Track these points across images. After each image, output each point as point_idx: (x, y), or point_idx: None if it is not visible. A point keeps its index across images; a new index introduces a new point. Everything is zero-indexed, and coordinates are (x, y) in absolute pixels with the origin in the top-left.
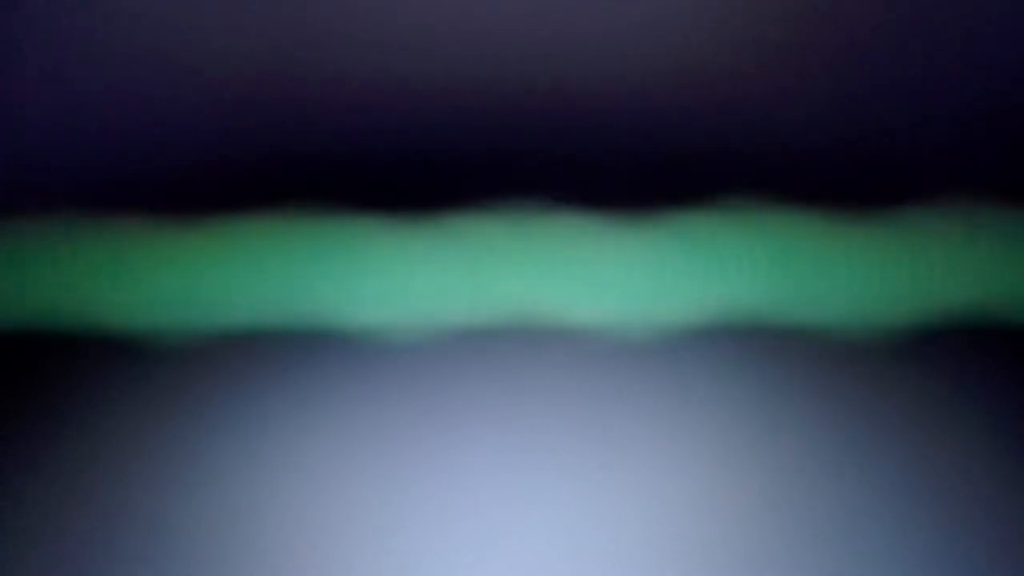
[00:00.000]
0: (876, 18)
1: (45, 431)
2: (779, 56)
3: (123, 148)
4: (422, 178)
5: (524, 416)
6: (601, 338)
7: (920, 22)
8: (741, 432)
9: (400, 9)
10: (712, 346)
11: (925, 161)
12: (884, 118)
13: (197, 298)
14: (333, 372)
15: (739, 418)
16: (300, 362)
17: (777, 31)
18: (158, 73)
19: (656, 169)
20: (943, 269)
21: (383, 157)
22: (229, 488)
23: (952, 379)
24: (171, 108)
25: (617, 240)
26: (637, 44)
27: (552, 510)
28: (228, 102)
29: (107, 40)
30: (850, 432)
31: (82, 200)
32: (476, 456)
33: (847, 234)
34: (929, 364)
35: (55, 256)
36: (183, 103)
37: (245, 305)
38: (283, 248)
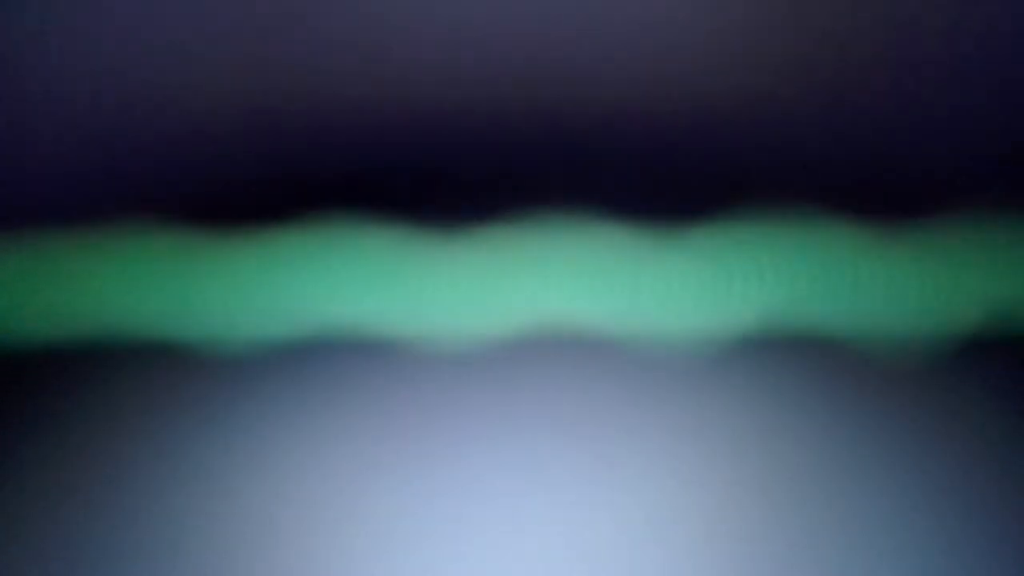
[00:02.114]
0: (898, 27)
1: (39, 439)
2: (800, 67)
3: (133, 154)
4: (447, 190)
5: (545, 426)
6: (627, 349)
7: (937, 29)
8: (764, 446)
9: (416, 21)
10: (747, 357)
11: (956, 171)
12: (908, 128)
13: (222, 308)
14: (360, 381)
15: (764, 432)
16: (328, 371)
17: (794, 41)
18: (169, 82)
19: (682, 180)
20: (975, 281)
21: (408, 169)
22: (232, 491)
23: (987, 393)
24: (186, 118)
25: (644, 252)
26: (651, 56)
27: (568, 516)
28: (251, 112)
29: (107, 48)
30: (871, 444)
31: (89, 209)
32: (498, 467)
33: (878, 246)
34: (962, 378)
35: (53, 268)
36: (199, 113)
37: (277, 315)
38: (310, 259)
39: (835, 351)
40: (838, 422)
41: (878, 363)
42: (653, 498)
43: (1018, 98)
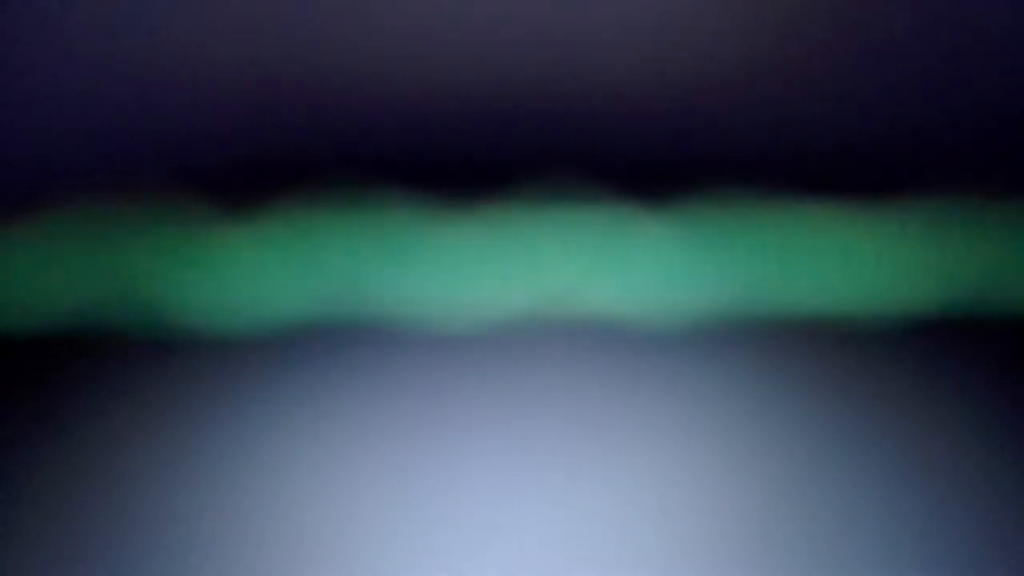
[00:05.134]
0: (872, 20)
1: (39, 431)
2: (780, 55)
3: (145, 140)
4: (460, 168)
5: (545, 406)
6: (626, 328)
7: (912, 24)
8: (754, 423)
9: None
10: (730, 337)
11: (926, 153)
12: (882, 112)
13: (234, 293)
14: (367, 363)
15: (752, 408)
16: (335, 354)
17: (778, 32)
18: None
19: (670, 160)
20: (945, 259)
21: (422, 149)
22: (234, 486)
23: (952, 368)
24: (189, 103)
25: (636, 229)
26: (652, 46)
27: (574, 499)
28: (259, 94)
29: (107, 39)
30: (855, 422)
31: (91, 190)
32: (510, 444)
33: (853, 224)
34: (931, 353)
35: (56, 254)
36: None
37: (287, 299)
38: (316, 239)
39: (810, 328)
40: (814, 400)
41: (849, 339)
42: (650, 480)
43: (992, 87)
